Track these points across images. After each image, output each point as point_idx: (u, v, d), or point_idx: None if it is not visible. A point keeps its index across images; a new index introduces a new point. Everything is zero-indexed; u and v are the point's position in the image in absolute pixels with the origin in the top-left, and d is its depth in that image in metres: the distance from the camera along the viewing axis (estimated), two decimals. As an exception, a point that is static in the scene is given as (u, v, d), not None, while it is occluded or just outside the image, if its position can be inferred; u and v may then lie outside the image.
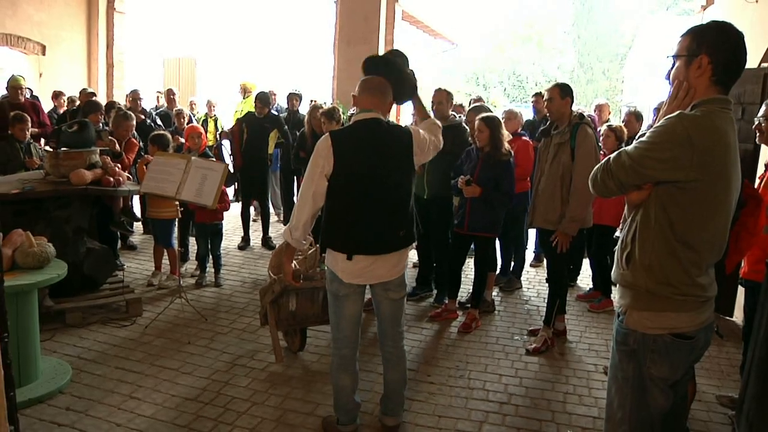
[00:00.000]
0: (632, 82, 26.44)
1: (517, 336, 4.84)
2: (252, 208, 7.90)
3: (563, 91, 4.44)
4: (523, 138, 5.73)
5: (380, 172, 2.91)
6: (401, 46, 10.73)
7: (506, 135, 5.00)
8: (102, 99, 10.21)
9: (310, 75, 14.83)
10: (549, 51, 35.63)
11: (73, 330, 4.53)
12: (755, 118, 3.57)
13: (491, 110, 5.58)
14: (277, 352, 4.13)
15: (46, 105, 8.57)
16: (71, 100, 8.79)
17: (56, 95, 9.05)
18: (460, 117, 6.32)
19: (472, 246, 5.32)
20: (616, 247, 2.21)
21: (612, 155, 2.07)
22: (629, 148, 2.01)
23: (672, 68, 2.07)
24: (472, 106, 6.60)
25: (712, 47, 1.95)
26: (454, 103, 6.15)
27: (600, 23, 34.41)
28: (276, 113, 8.63)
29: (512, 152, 4.89)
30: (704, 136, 1.89)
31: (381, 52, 9.85)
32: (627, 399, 2.16)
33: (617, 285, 2.19)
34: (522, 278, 6.31)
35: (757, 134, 3.56)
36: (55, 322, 4.54)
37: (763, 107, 3.49)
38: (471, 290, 5.20)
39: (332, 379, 3.19)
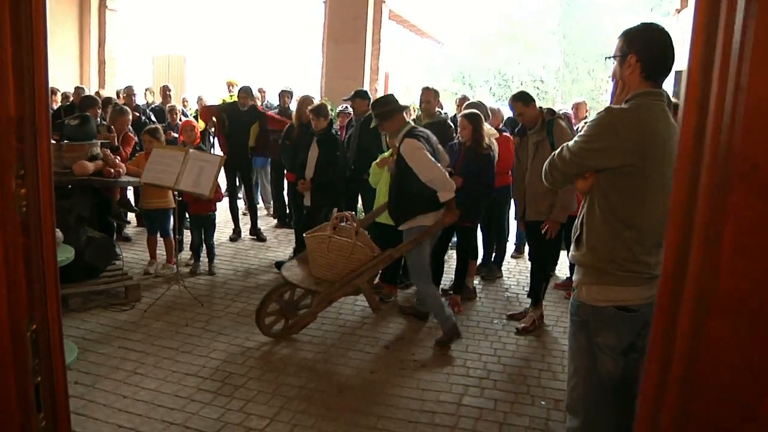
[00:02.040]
0: (616, 82, 26.80)
1: (497, 320, 5.14)
2: (241, 202, 8.11)
3: (525, 101, 4.75)
4: (504, 134, 6.02)
5: None
6: (388, 45, 11.01)
7: (490, 130, 5.30)
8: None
9: (298, 73, 15.04)
10: (535, 51, 35.92)
11: (75, 314, 4.75)
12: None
13: (486, 108, 5.89)
14: (375, 303, 4.64)
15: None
16: (65, 96, 8.98)
17: (53, 92, 9.23)
18: (445, 114, 6.60)
19: (454, 239, 5.61)
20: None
21: (556, 151, 2.36)
22: (570, 143, 2.31)
23: (613, 68, 2.36)
24: (467, 104, 6.73)
25: (639, 46, 2.22)
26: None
27: (586, 23, 34.78)
28: (266, 108, 8.84)
29: (495, 146, 5.19)
30: (628, 126, 2.17)
31: (368, 50, 10.13)
32: (581, 365, 2.45)
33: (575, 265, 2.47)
34: (503, 268, 6.60)
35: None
36: (58, 307, 4.75)
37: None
38: (453, 278, 5.48)
39: (431, 293, 4.56)
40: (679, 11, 8.66)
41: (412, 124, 4.62)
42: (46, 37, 1.06)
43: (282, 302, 4.53)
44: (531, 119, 4.73)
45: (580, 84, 34.12)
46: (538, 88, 30.67)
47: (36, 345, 1.08)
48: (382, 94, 4.89)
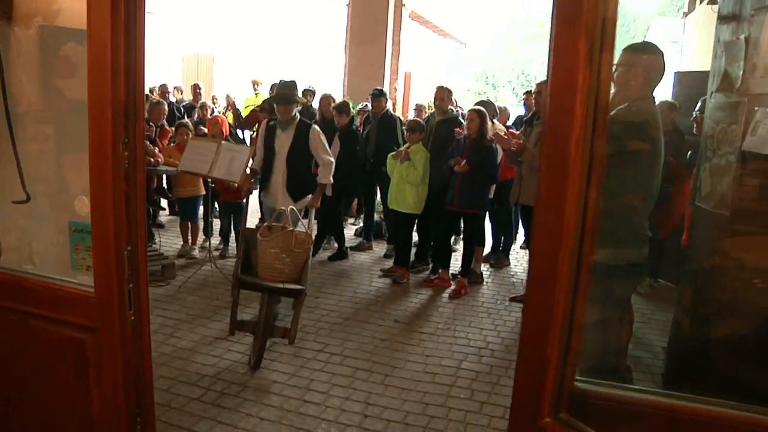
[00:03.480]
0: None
1: (500, 301, 5.57)
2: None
3: None
4: (511, 131, 6.46)
5: None
6: (409, 46, 11.46)
7: (497, 126, 5.74)
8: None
9: (322, 72, 15.55)
10: (558, 51, 36.00)
11: (118, 288, 5.29)
12: (693, 112, 4.27)
13: (494, 106, 6.36)
14: None
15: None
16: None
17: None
18: (457, 111, 7.05)
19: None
20: None
21: None
22: None
23: None
24: (477, 101, 7.19)
25: (647, 62, 2.77)
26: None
27: (609, 24, 34.80)
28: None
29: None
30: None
31: (389, 51, 10.61)
32: None
33: None
34: (511, 258, 7.02)
35: (695, 126, 4.26)
36: (103, 281, 5.31)
37: (699, 102, 4.19)
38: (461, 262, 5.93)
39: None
40: (686, 14, 8.98)
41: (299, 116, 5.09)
42: (144, 48, 1.52)
43: (263, 332, 3.99)
44: (544, 104, 5.15)
45: (604, 84, 34.19)
46: (560, 88, 30.72)
47: (129, 260, 1.57)
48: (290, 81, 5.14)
